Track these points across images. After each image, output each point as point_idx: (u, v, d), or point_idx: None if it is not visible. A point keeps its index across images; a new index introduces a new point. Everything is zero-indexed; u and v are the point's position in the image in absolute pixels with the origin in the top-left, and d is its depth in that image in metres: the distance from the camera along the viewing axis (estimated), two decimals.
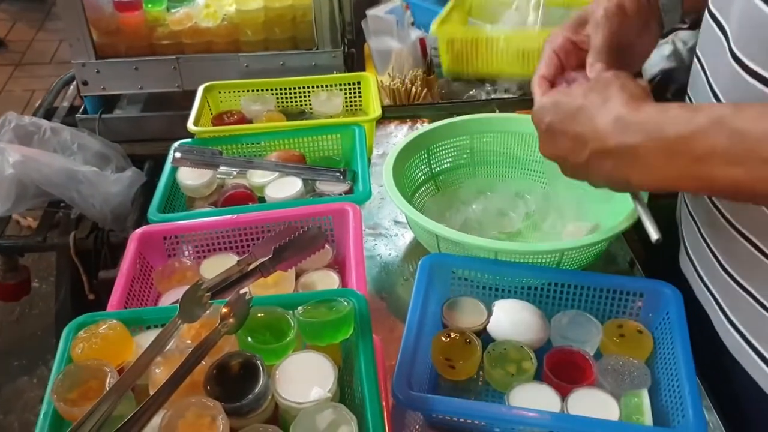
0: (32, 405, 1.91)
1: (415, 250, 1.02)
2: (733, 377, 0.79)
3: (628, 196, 0.89)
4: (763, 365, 0.74)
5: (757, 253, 0.71)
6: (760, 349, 0.74)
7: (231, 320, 0.66)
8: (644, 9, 0.79)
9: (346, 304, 0.69)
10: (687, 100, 0.84)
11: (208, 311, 0.69)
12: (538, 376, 0.77)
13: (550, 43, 0.79)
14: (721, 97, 0.72)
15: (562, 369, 0.77)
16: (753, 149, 0.57)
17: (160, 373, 0.63)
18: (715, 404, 0.79)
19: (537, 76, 0.77)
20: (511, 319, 0.80)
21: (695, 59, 0.80)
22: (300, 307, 0.69)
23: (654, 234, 0.70)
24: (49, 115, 1.62)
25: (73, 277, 1.41)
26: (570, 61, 0.79)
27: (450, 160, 1.11)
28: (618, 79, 0.68)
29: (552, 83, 0.77)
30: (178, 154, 1.05)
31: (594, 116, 0.65)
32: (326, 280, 0.88)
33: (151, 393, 0.61)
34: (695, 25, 0.82)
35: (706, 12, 0.75)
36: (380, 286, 0.97)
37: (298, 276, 0.88)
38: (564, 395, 0.74)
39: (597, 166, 0.66)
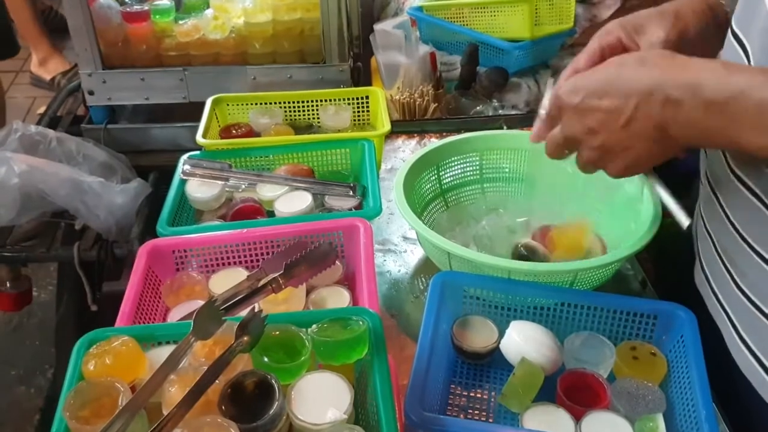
0: (29, 415, 1.88)
1: (425, 266, 1.01)
2: (745, 397, 0.78)
3: (642, 213, 0.90)
4: None
5: None
6: None
7: (246, 338, 0.65)
8: (709, 34, 0.78)
9: (360, 323, 0.68)
10: None
11: (221, 328, 0.68)
12: (552, 399, 0.77)
13: (600, 39, 0.78)
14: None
15: (576, 392, 0.76)
16: None
17: (174, 392, 0.62)
18: (727, 424, 0.78)
19: (571, 67, 0.77)
20: (525, 340, 0.79)
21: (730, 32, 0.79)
22: (314, 326, 0.69)
23: (684, 220, 0.71)
24: (53, 124, 1.61)
25: (74, 288, 1.40)
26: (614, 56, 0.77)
27: (460, 176, 1.10)
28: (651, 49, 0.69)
29: None
30: (187, 167, 1.04)
31: (630, 77, 0.65)
32: (337, 297, 0.87)
33: (165, 412, 0.60)
34: None
35: (729, 31, 0.75)
36: (390, 304, 0.96)
37: (308, 292, 0.88)
38: (578, 418, 0.74)
39: (642, 119, 0.65)
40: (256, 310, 0.68)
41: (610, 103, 0.67)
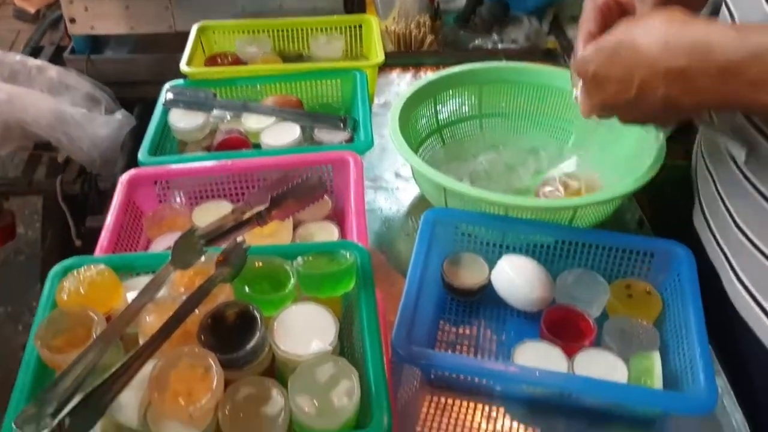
0: (18, 353, 1.87)
1: (418, 205, 0.98)
2: (741, 339, 0.77)
3: (645, 149, 0.86)
4: None
5: None
6: None
7: (227, 268, 0.63)
8: None
9: (347, 256, 0.66)
10: None
11: (202, 258, 0.65)
12: (536, 334, 0.75)
13: (593, 0, 0.75)
14: None
15: (561, 328, 0.74)
16: None
17: (151, 322, 0.60)
18: (723, 367, 0.77)
19: (582, 33, 0.74)
20: (516, 274, 0.77)
21: (723, 6, 0.76)
22: (299, 258, 0.66)
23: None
24: (35, 53, 1.55)
25: (59, 223, 1.36)
26: (613, 21, 0.75)
27: (458, 110, 1.06)
28: (660, 12, 0.64)
29: None
30: (170, 95, 1.00)
31: (637, 45, 0.62)
32: (325, 232, 0.84)
33: (142, 342, 0.58)
34: None
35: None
36: (380, 241, 0.93)
37: (295, 227, 0.85)
38: (570, 355, 0.72)
39: (649, 94, 0.63)
40: (243, 242, 0.65)
41: (617, 76, 0.65)
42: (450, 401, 0.71)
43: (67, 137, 1.26)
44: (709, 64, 0.58)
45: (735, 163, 0.73)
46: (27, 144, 1.32)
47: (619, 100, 0.67)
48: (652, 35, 0.61)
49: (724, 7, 0.75)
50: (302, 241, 0.83)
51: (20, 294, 2.02)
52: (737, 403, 0.73)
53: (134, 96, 1.46)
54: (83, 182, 1.28)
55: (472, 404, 0.71)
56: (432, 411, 0.70)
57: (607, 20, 0.74)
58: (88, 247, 0.79)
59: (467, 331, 0.79)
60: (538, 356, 0.71)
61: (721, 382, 0.75)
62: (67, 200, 1.28)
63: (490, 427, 0.70)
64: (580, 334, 0.74)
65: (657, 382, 0.68)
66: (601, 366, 0.70)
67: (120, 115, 1.33)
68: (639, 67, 0.62)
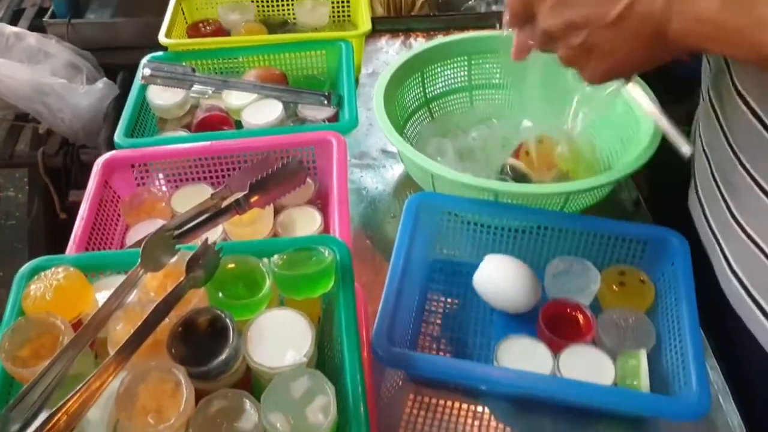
0: None
1: (406, 183, 0.94)
2: (734, 330, 0.74)
3: (641, 123, 0.82)
4: (764, 320, 0.69)
5: None
6: (763, 303, 0.69)
7: (199, 272, 0.60)
8: None
9: (326, 254, 0.63)
10: None
11: (174, 259, 0.63)
12: (533, 332, 0.72)
13: None
14: None
15: (559, 323, 0.72)
16: None
17: (120, 331, 0.57)
18: (718, 360, 0.75)
19: None
20: (499, 277, 0.74)
21: None
22: (276, 256, 0.63)
23: (685, 148, 0.62)
24: (16, 15, 1.50)
25: (45, 195, 1.34)
26: None
27: (447, 83, 1.01)
28: None
29: None
30: (147, 71, 0.96)
31: None
32: (307, 219, 0.81)
33: (111, 352, 0.56)
34: None
35: None
36: (366, 223, 0.90)
37: (277, 212, 0.82)
38: (558, 351, 0.70)
39: (632, 25, 0.55)
40: (215, 244, 0.62)
41: None
42: (434, 400, 0.69)
43: (47, 109, 1.22)
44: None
45: (734, 153, 0.70)
46: (7, 115, 1.28)
47: (593, 20, 0.56)
48: None
49: None
50: (283, 229, 0.81)
51: (11, 259, 2.00)
52: (732, 399, 0.71)
53: (118, 62, 1.42)
54: (65, 155, 1.25)
55: (457, 403, 0.69)
56: (416, 410, 0.69)
57: None
58: (73, 221, 0.77)
59: (452, 325, 0.77)
60: (522, 353, 0.69)
61: (718, 379, 0.73)
62: (49, 173, 1.25)
63: (476, 425, 0.68)
64: (579, 330, 0.72)
65: (644, 382, 0.66)
66: (587, 364, 0.68)
67: (102, 84, 1.29)
68: None
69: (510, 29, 0.67)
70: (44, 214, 1.37)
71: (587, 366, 0.68)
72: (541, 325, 0.72)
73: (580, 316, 0.73)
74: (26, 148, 1.31)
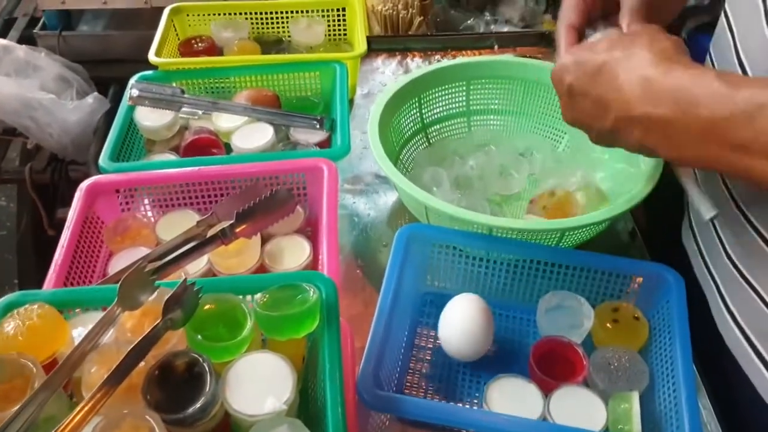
0: None
1: (399, 211, 0.92)
2: (730, 372, 0.73)
3: (642, 158, 0.81)
4: (761, 366, 0.67)
5: (766, 249, 0.63)
6: (760, 349, 0.67)
7: (177, 312, 0.58)
8: None
9: (311, 293, 0.61)
10: (708, 59, 0.74)
11: (153, 296, 0.61)
12: (524, 370, 0.70)
13: None
14: (747, 68, 0.63)
15: (551, 362, 0.70)
16: None
17: (94, 374, 0.55)
18: (712, 401, 0.73)
19: (563, 25, 0.68)
20: (455, 323, 0.72)
21: (723, 15, 0.70)
22: (259, 295, 0.61)
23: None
24: (7, 25, 1.48)
25: (32, 209, 1.32)
26: (596, 7, 0.69)
27: (444, 108, 0.99)
28: (646, 32, 0.59)
29: (580, 34, 0.68)
30: (135, 92, 0.93)
31: (617, 76, 0.57)
32: (296, 248, 0.79)
33: (85, 396, 0.54)
34: None
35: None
36: (357, 252, 0.88)
37: (264, 241, 0.80)
38: (549, 391, 0.68)
39: (623, 133, 0.59)
40: (194, 284, 0.60)
41: (593, 99, 0.60)
42: None
43: (35, 123, 1.20)
44: (692, 119, 0.52)
45: (729, 192, 0.68)
46: None
47: (593, 124, 0.62)
48: (635, 72, 0.56)
49: (723, 19, 0.69)
50: (271, 259, 0.78)
51: (3, 269, 1.98)
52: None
53: (110, 75, 1.40)
54: (53, 171, 1.23)
55: None
56: None
57: (591, 9, 0.68)
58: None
59: (441, 362, 0.75)
60: (512, 394, 0.67)
61: (713, 421, 0.71)
62: (37, 189, 1.23)
63: None
64: (571, 370, 0.70)
65: (636, 427, 0.64)
66: (578, 407, 0.66)
67: (92, 99, 1.27)
68: (616, 102, 0.57)
69: None
70: (32, 230, 1.35)
71: (578, 409, 0.66)
72: (532, 365, 0.70)
73: (573, 356, 0.71)
74: (14, 163, 1.29)
